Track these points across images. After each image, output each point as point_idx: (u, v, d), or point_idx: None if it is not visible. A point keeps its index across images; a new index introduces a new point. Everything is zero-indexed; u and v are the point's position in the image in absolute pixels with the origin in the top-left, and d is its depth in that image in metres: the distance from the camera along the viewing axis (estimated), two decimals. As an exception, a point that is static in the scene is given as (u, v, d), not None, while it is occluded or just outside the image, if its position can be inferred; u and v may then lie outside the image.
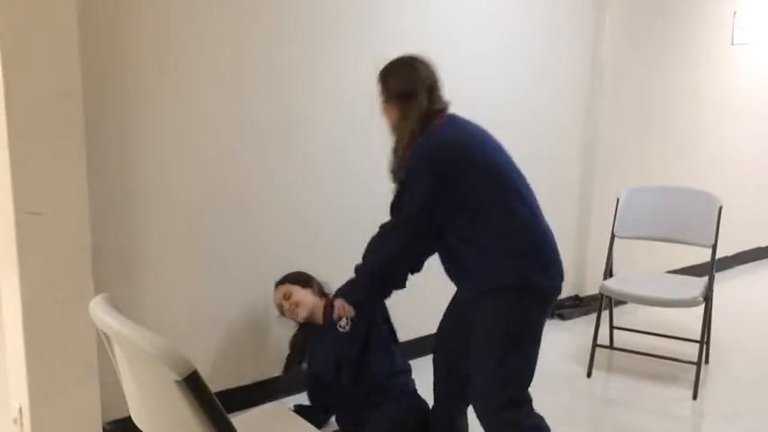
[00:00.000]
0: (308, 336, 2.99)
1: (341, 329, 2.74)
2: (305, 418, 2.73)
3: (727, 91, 5.31)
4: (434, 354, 2.67)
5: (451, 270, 2.45)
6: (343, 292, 2.60)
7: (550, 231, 2.41)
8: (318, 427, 2.82)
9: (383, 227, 2.50)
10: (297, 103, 3.28)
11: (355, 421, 2.84)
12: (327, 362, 2.86)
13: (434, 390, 2.66)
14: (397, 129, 2.42)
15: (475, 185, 2.30)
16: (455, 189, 2.29)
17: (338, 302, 2.62)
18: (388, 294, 2.57)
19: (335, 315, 2.69)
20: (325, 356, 2.88)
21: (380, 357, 2.85)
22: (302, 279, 3.00)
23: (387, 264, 2.46)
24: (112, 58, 2.78)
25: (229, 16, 3.03)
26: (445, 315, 2.64)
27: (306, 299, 2.93)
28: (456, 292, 2.57)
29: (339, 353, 2.81)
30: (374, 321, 2.85)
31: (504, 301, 2.32)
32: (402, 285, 2.50)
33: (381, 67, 2.47)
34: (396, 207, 2.44)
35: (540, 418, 2.37)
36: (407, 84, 2.38)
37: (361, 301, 2.61)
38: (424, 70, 2.41)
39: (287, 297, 2.94)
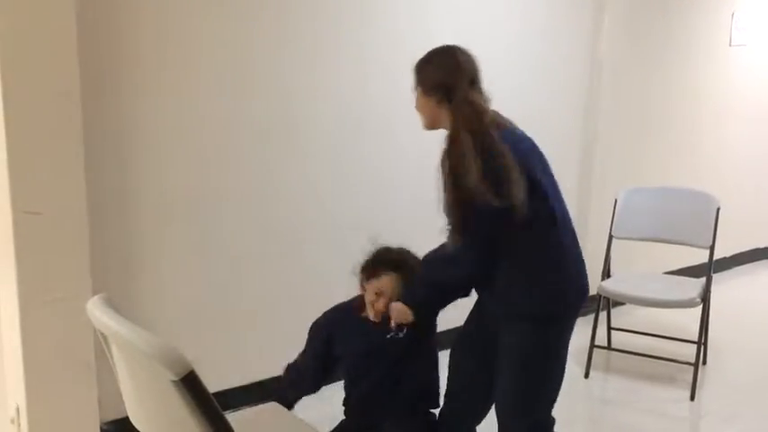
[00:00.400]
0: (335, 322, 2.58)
1: (393, 337, 2.36)
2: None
3: (725, 92, 5.32)
4: (450, 371, 2.50)
5: (481, 285, 2.35)
6: (403, 295, 2.33)
7: (582, 256, 2.33)
8: (290, 406, 2.68)
9: (452, 247, 2.21)
10: (296, 102, 3.28)
11: (364, 411, 2.57)
12: (380, 346, 2.45)
13: (445, 404, 2.52)
14: (448, 127, 2.18)
15: (528, 211, 2.16)
16: (515, 213, 2.13)
17: (398, 306, 2.30)
18: (450, 302, 2.36)
19: (393, 322, 2.33)
20: (370, 340, 2.47)
21: (423, 372, 2.53)
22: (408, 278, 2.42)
23: (455, 285, 2.32)
24: (110, 56, 2.78)
25: (229, 16, 3.03)
26: (467, 323, 2.50)
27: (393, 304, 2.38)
28: (479, 299, 2.44)
29: (389, 348, 2.45)
30: (431, 331, 2.51)
31: (535, 330, 2.26)
32: (467, 294, 2.36)
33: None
34: (460, 225, 2.15)
35: None
36: (447, 75, 2.19)
37: (421, 309, 2.33)
38: (464, 61, 2.23)
39: (390, 295, 2.37)
